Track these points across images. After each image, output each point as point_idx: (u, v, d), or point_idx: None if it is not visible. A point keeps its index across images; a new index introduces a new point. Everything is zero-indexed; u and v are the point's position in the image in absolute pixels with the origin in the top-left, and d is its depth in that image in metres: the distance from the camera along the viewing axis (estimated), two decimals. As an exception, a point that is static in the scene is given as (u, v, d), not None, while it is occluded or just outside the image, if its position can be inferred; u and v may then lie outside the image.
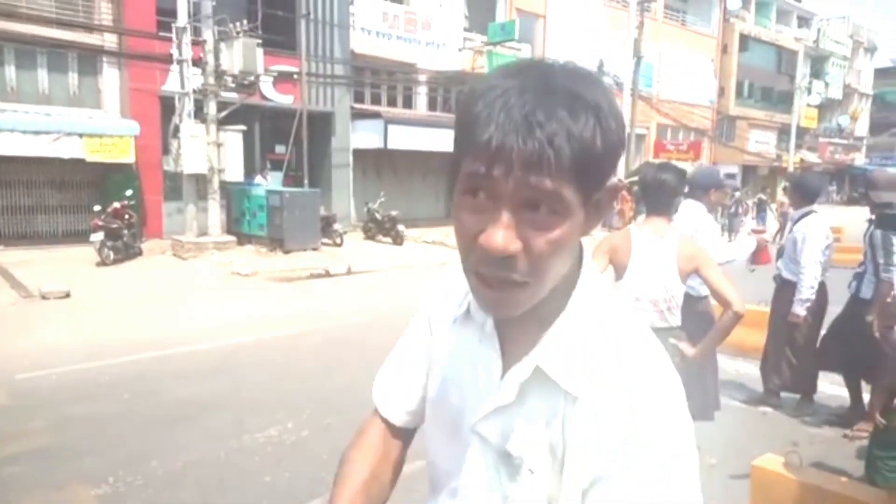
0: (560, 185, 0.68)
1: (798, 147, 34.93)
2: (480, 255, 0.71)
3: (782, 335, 4.92)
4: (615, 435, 0.73)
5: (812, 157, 37.38)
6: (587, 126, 0.68)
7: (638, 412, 0.73)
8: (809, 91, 35.48)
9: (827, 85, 37.89)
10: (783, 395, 5.06)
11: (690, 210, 4.04)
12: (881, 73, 44.80)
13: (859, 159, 40.97)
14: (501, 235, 0.69)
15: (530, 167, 0.67)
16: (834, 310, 4.86)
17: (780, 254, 5.02)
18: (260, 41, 13.03)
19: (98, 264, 10.95)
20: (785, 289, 4.86)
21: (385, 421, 1.06)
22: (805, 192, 4.89)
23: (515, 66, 0.73)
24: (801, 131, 35.22)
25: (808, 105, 36.07)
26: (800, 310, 4.67)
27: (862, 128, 42.83)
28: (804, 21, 37.38)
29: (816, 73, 37.55)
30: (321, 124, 17.14)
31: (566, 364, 0.78)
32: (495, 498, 0.84)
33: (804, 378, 4.92)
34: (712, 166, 25.45)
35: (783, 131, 34.69)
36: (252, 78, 12.96)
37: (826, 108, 39.08)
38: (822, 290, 4.79)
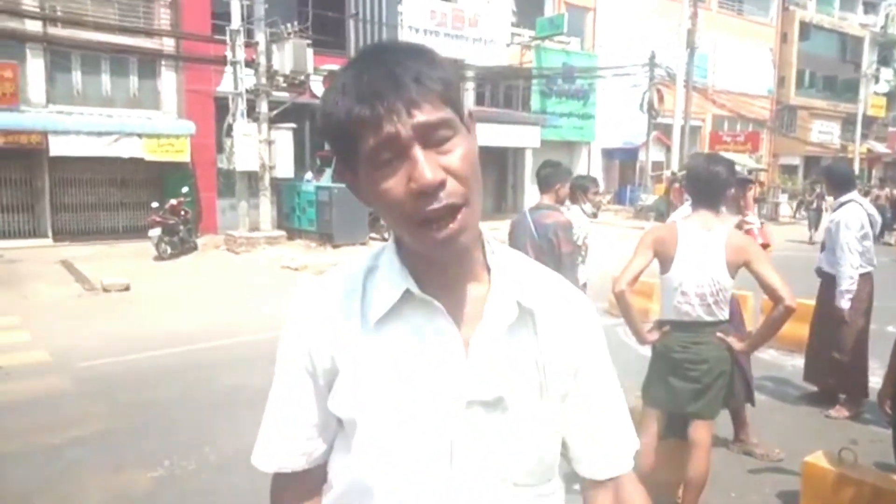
0: (440, 109, 0.78)
1: (865, 137, 33.40)
2: (419, 200, 0.77)
3: (826, 332, 4.71)
4: (576, 336, 0.93)
5: (880, 147, 35.66)
6: (432, 64, 0.80)
7: (581, 315, 0.96)
8: (877, 79, 33.85)
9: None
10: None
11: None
12: (955, 59, 42.35)
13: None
14: (427, 168, 0.76)
15: (413, 107, 0.76)
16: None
17: (822, 247, 4.83)
18: (310, 41, 13.27)
19: (156, 259, 11.36)
20: (826, 282, 4.67)
21: (299, 476, 0.95)
22: (839, 180, 4.72)
23: (350, 61, 0.83)
24: (868, 120, 33.66)
25: (876, 93, 34.42)
26: (843, 303, 4.44)
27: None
28: (871, 7, 35.68)
29: (885, 59, 35.77)
30: (370, 121, 17.30)
31: (532, 294, 0.90)
32: (494, 460, 0.86)
33: (852, 378, 4.65)
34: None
35: (848, 121, 33.22)
36: (302, 77, 13.20)
37: (895, 96, 37.21)
38: (866, 281, 4.56)
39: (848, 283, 4.42)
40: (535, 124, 19.83)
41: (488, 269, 0.90)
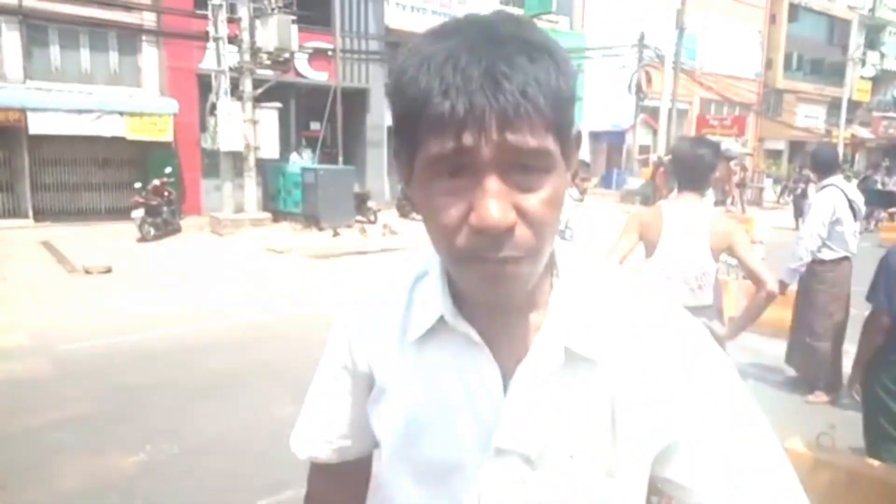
0: (542, 138, 0.61)
1: (850, 122, 33.59)
2: (475, 238, 0.62)
3: (805, 317, 4.76)
4: (674, 395, 0.72)
5: (864, 133, 35.91)
6: (549, 71, 0.61)
7: (686, 367, 0.73)
8: (863, 63, 33.99)
9: (883, 56, 36.24)
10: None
11: None
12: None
13: (915, 134, 39.21)
14: (496, 207, 0.60)
15: (508, 125, 0.59)
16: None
17: None
18: (294, 18, 13.06)
19: (139, 240, 11.23)
20: (806, 267, 4.67)
21: (332, 467, 0.93)
22: (823, 164, 4.75)
23: (446, 26, 0.65)
24: (854, 105, 33.85)
25: (862, 77, 34.58)
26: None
27: (919, 101, 40.90)
28: (859, -10, 35.69)
29: (872, 43, 35.90)
30: (356, 101, 17.16)
31: (594, 338, 0.72)
32: None
33: (827, 364, 4.69)
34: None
35: (834, 105, 33.39)
36: (287, 55, 13.03)
37: (881, 80, 37.40)
38: (841, 266, 4.57)
39: (796, 263, 4.49)
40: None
41: (551, 291, 0.75)
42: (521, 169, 0.62)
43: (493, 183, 0.61)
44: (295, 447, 0.94)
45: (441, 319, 0.75)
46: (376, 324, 0.82)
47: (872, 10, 35.21)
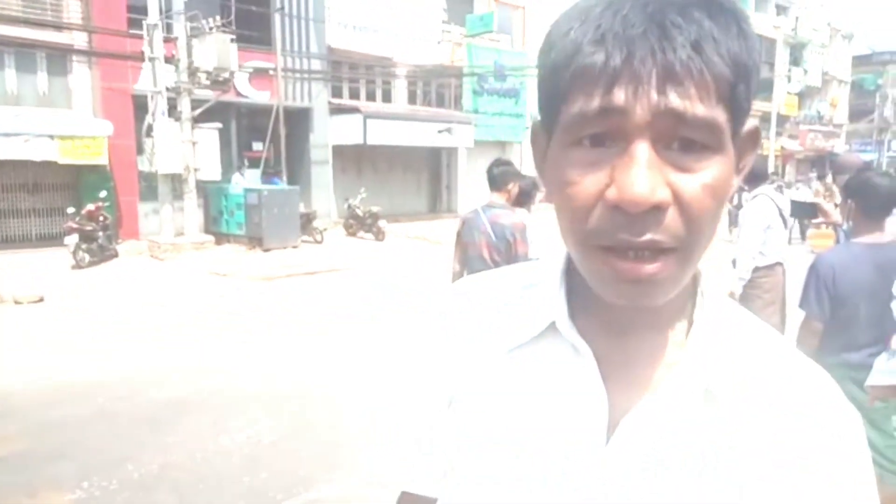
0: (711, 107, 0.50)
1: (779, 134, 35.21)
2: (611, 217, 0.51)
3: None
4: (815, 471, 0.57)
5: (793, 145, 37.70)
6: (731, 31, 0.51)
7: (834, 446, 0.58)
8: (789, 79, 35.76)
9: (806, 72, 38.22)
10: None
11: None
12: (859, 60, 45.23)
13: (839, 146, 41.40)
14: (644, 178, 0.49)
15: (672, 84, 0.48)
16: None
17: None
18: (234, 37, 12.85)
19: (73, 267, 10.75)
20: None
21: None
22: (752, 174, 4.96)
23: None
24: (782, 119, 35.50)
25: (789, 93, 36.37)
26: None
27: (841, 115, 43.27)
28: (782, 9, 37.63)
29: (795, 60, 37.85)
30: (299, 120, 16.97)
31: (739, 383, 0.58)
32: None
33: None
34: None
35: (764, 119, 34.93)
36: (227, 74, 12.78)
37: (805, 95, 39.42)
38: (774, 273, 4.67)
39: (742, 272, 4.58)
40: (468, 123, 19.90)
41: (691, 326, 0.61)
42: (681, 144, 0.51)
43: (643, 151, 0.50)
44: (408, 482, 0.75)
45: (552, 326, 0.63)
46: (474, 322, 0.69)
47: (794, 29, 37.16)
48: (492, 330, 0.67)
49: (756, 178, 4.90)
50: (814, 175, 23.20)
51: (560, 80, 0.52)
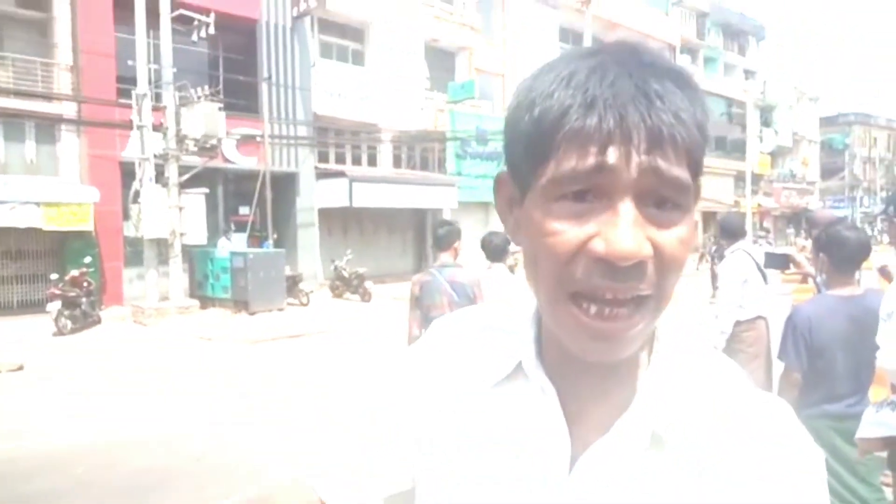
0: (683, 169, 0.54)
1: (755, 192, 36.08)
2: (595, 268, 0.54)
3: None
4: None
5: (769, 202, 38.60)
6: (695, 101, 0.56)
7: (789, 486, 0.58)
8: (761, 139, 36.92)
9: (776, 133, 39.54)
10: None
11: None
12: (826, 121, 47.04)
13: (813, 203, 42.46)
14: (631, 234, 0.52)
15: (657, 148, 0.53)
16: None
17: None
18: (222, 105, 13.15)
19: (55, 334, 10.59)
20: None
21: None
22: (730, 230, 5.10)
23: (578, 51, 0.60)
24: (756, 178, 36.44)
25: (761, 152, 37.49)
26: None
27: (813, 173, 44.58)
28: (750, 74, 39.24)
29: (766, 121, 39.20)
30: (286, 184, 17.19)
31: (686, 426, 0.60)
32: None
33: None
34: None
35: (739, 178, 35.85)
36: (214, 141, 13.01)
37: (777, 154, 40.65)
38: (755, 327, 4.72)
39: (723, 324, 4.63)
40: (452, 185, 20.24)
41: (648, 365, 0.65)
42: (658, 201, 0.55)
43: (628, 208, 0.53)
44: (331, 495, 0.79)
45: (519, 367, 0.66)
46: (445, 362, 0.72)
47: (763, 92, 38.65)
48: (463, 370, 0.70)
49: (733, 234, 5.05)
50: (791, 231, 23.65)
51: (546, 138, 0.55)
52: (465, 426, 0.68)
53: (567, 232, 0.55)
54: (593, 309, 0.55)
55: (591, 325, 0.55)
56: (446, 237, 4.26)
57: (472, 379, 0.69)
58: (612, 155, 0.52)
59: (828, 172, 46.77)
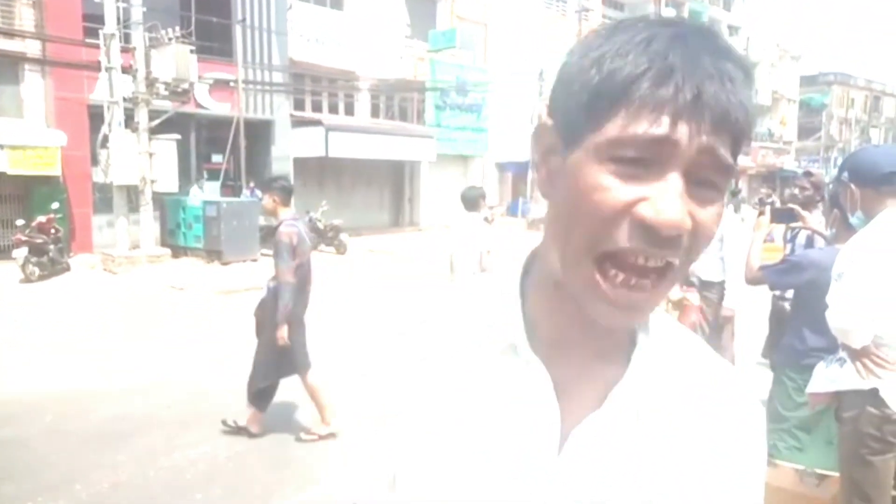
0: (730, 154, 0.56)
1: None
2: (635, 231, 0.54)
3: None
4: (731, 471, 0.66)
5: (745, 161, 38.89)
6: (751, 92, 0.57)
7: (745, 456, 0.67)
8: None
9: (756, 91, 39.56)
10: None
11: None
12: (806, 80, 47.07)
13: (788, 162, 42.86)
14: (681, 206, 0.54)
15: (720, 128, 0.54)
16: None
17: None
18: (194, 48, 12.71)
19: (22, 281, 10.42)
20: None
21: None
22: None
23: (665, 18, 0.59)
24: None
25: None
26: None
27: (790, 132, 44.86)
28: (734, 29, 38.96)
29: (745, 80, 39.19)
30: (260, 132, 16.83)
31: (672, 402, 0.66)
32: None
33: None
34: None
35: (716, 136, 36.08)
36: (186, 85, 12.62)
37: (756, 113, 40.77)
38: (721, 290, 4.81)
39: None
40: (430, 137, 20.02)
41: (634, 345, 0.66)
42: (703, 180, 0.56)
43: (678, 181, 0.54)
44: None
45: (510, 346, 0.66)
46: (454, 347, 0.70)
47: (746, 49, 38.47)
48: (452, 351, 0.69)
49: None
50: (765, 191, 23.95)
51: (613, 97, 0.54)
52: (454, 404, 0.67)
53: (615, 190, 0.55)
54: (620, 277, 0.56)
55: (612, 293, 0.56)
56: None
57: (461, 358, 0.69)
58: (682, 128, 0.53)
59: (805, 132, 47.09)
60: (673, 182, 0.54)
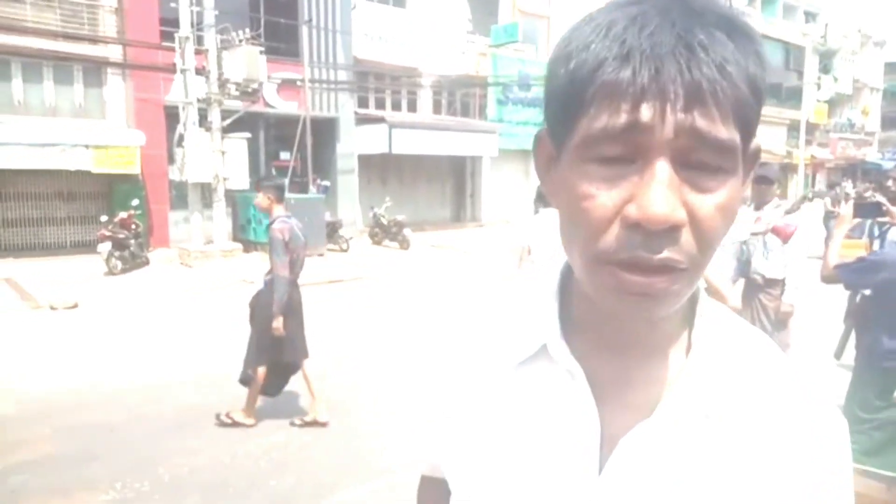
0: (730, 130, 0.50)
1: (808, 143, 34.68)
2: (628, 234, 0.50)
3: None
4: (815, 483, 0.59)
5: (823, 153, 37.07)
6: (748, 54, 0.51)
7: (825, 465, 0.60)
8: (819, 86, 35.21)
9: (836, 80, 37.61)
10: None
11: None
12: (892, 67, 44.38)
13: (871, 154, 40.62)
14: (664, 197, 0.49)
15: (698, 104, 0.48)
16: None
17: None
18: (263, 49, 13.08)
19: (106, 274, 11.00)
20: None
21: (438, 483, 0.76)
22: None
23: None
24: (812, 127, 34.98)
25: (819, 101, 35.80)
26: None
27: (873, 123, 42.48)
28: (811, 16, 37.16)
29: (825, 67, 37.28)
30: (326, 130, 17.18)
31: (739, 407, 0.59)
32: None
33: None
34: None
35: (793, 127, 34.44)
36: (255, 85, 13.00)
37: (836, 103, 38.78)
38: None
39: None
40: (493, 132, 19.95)
41: (689, 348, 0.61)
42: (698, 164, 0.51)
43: (664, 169, 0.49)
44: (420, 452, 0.80)
45: (544, 348, 0.63)
46: (492, 350, 0.68)
47: (824, 36, 36.62)
48: (488, 352, 0.67)
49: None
50: (846, 184, 22.72)
51: (580, 93, 0.51)
52: (489, 410, 0.65)
53: (601, 196, 0.51)
54: (627, 273, 0.52)
55: (630, 284, 0.52)
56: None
57: (495, 360, 0.66)
58: (646, 112, 0.49)
59: (889, 122, 44.43)
60: (657, 173, 0.49)
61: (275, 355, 4.58)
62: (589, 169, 0.52)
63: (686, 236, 0.51)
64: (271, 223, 4.59)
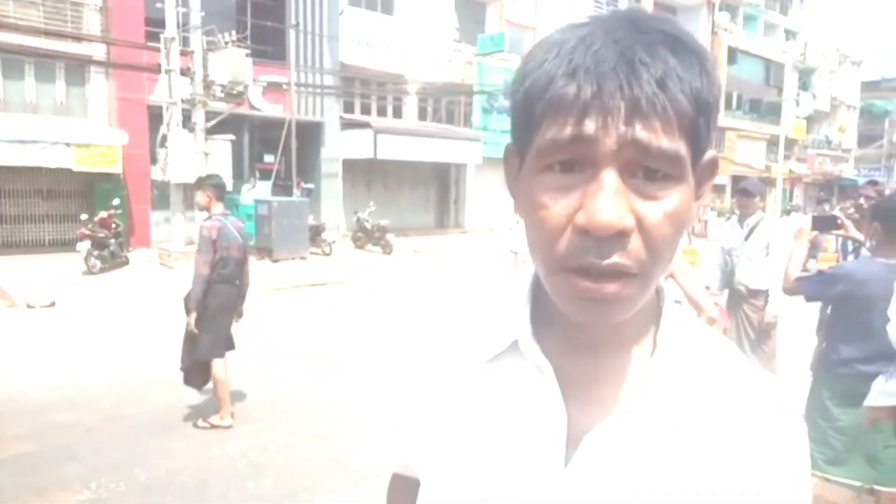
0: (674, 140, 0.53)
1: (787, 158, 35.24)
2: (579, 241, 0.53)
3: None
4: (772, 488, 0.61)
5: (801, 168, 37.70)
6: (693, 69, 0.54)
7: (785, 468, 0.62)
8: (798, 103, 35.82)
9: (814, 97, 38.32)
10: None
11: None
12: (868, 86, 45.33)
13: (847, 170, 41.38)
14: (610, 204, 0.52)
15: (638, 117, 0.52)
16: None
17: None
18: (249, 51, 13.06)
19: (85, 273, 10.88)
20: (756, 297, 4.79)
21: (408, 481, 0.79)
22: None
23: (587, 18, 0.58)
24: (790, 143, 35.54)
25: (797, 117, 36.42)
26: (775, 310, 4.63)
27: (849, 140, 43.29)
28: (791, 34, 37.84)
29: (804, 85, 37.97)
30: (311, 134, 17.16)
31: (701, 408, 0.61)
32: None
33: None
34: None
35: (772, 143, 35.00)
36: (241, 88, 12.97)
37: (814, 119, 39.50)
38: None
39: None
40: (477, 140, 20.06)
41: (654, 347, 0.64)
42: (645, 173, 0.54)
43: (610, 178, 0.53)
44: (390, 450, 0.83)
45: (514, 345, 0.65)
46: (467, 348, 0.71)
47: (804, 54, 37.31)
48: (460, 350, 0.71)
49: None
50: (824, 197, 23.19)
51: (534, 108, 0.55)
52: (458, 405, 0.68)
53: (554, 205, 0.55)
54: (583, 279, 0.55)
55: (582, 290, 0.55)
56: None
57: (467, 357, 0.69)
58: (590, 125, 0.52)
59: (865, 139, 45.35)
60: (604, 182, 0.53)
61: (191, 351, 4.66)
62: (544, 180, 0.56)
63: (635, 242, 0.54)
64: (205, 220, 4.64)
